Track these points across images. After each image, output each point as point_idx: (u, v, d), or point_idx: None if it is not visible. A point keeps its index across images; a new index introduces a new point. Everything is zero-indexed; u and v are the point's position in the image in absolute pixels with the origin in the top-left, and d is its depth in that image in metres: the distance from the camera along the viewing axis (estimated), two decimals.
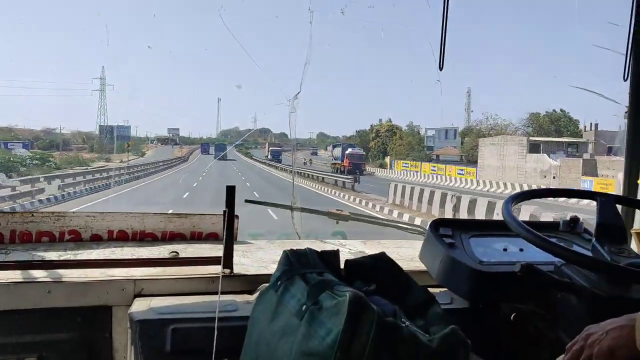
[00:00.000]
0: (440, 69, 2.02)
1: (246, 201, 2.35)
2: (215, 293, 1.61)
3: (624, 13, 2.06)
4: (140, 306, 1.59)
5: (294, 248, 1.42)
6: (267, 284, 1.42)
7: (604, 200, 1.59)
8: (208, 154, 79.52)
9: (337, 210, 2.48)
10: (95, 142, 78.21)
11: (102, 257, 1.88)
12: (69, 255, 1.89)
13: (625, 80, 2.09)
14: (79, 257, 1.87)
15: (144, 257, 1.90)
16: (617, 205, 1.61)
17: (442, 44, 1.98)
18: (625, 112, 2.15)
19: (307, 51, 2.45)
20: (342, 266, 1.48)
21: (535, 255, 1.55)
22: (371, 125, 79.61)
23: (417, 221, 12.23)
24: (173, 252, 1.94)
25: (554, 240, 1.79)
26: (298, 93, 2.43)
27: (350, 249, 2.21)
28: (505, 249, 1.80)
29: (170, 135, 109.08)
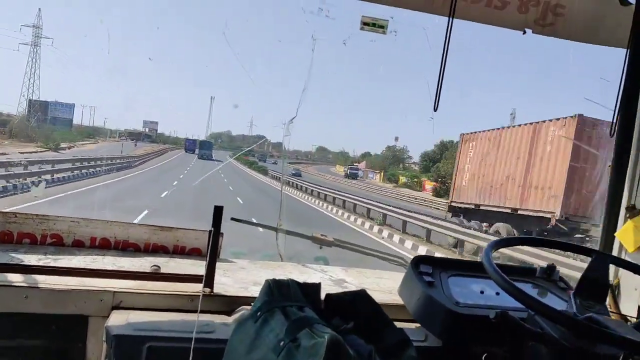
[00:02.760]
0: (435, 109, 2.07)
1: (232, 219, 2.36)
2: (194, 311, 1.61)
3: (616, 69, 2.13)
4: (117, 319, 1.59)
5: (276, 273, 1.44)
6: (246, 307, 1.43)
7: (599, 258, 1.64)
8: (193, 153, 69.85)
9: (322, 235, 2.50)
10: (16, 125, 54.46)
11: (82, 265, 1.87)
12: (49, 260, 1.88)
13: (611, 136, 2.16)
14: (59, 263, 1.86)
15: (125, 268, 1.89)
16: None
17: (439, 87, 2.03)
18: (609, 166, 2.22)
19: (306, 77, 2.48)
20: (323, 298, 1.50)
21: (510, 300, 1.58)
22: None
23: None
24: (154, 265, 1.93)
25: (529, 287, 1.84)
26: (293, 118, 2.45)
27: (331, 276, 2.24)
28: (482, 292, 1.84)
29: (145, 129, 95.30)
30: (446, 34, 2.00)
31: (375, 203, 26.38)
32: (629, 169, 2.11)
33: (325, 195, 32.72)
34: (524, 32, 2.15)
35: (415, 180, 69.21)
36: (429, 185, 61.66)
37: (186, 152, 74.23)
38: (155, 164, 47.63)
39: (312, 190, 35.54)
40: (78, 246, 2.09)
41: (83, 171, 27.16)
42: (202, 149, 68.22)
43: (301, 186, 38.45)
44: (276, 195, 28.91)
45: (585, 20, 2.16)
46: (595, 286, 1.59)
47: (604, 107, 2.19)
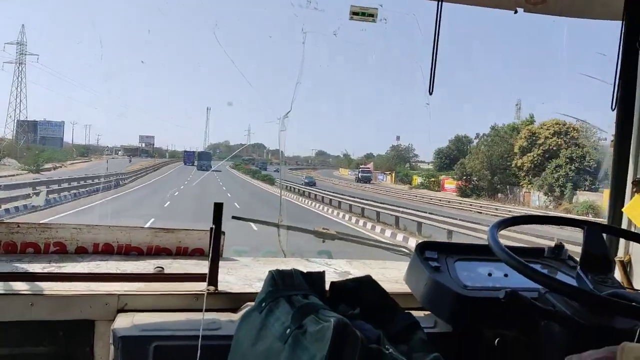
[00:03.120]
0: (430, 93, 2.06)
1: (233, 217, 2.35)
2: (200, 310, 1.60)
3: (613, 43, 2.11)
4: (123, 321, 1.58)
5: (280, 268, 1.42)
6: (251, 303, 1.42)
7: (591, 229, 1.61)
8: (192, 165, 65.61)
9: (324, 228, 2.49)
10: (4, 147, 52.14)
11: (86, 270, 1.87)
12: (53, 267, 1.88)
13: (612, 109, 2.13)
14: (63, 270, 1.85)
15: (129, 271, 1.89)
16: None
17: (433, 69, 2.02)
18: (612, 141, 2.20)
19: (299, 71, 2.48)
20: (327, 288, 1.49)
21: (520, 281, 1.56)
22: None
23: None
24: (158, 267, 1.93)
25: (538, 267, 1.82)
26: (289, 112, 2.44)
27: (335, 269, 2.22)
28: (490, 274, 1.82)
29: (142, 145, 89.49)
30: (436, 17, 1.99)
31: (406, 210, 23.03)
32: (632, 142, 2.08)
33: (351, 205, 27.69)
34: (516, 12, 2.14)
35: (433, 179, 62.71)
36: (449, 184, 56.96)
37: (185, 164, 70.66)
38: (148, 180, 42.38)
39: (330, 200, 31.07)
40: (81, 253, 2.08)
41: (54, 196, 23.39)
42: (200, 159, 65.11)
43: (321, 197, 33.08)
44: (303, 216, 24.33)
45: None
46: (597, 258, 1.57)
47: (602, 81, 2.17)
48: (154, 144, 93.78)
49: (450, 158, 66.87)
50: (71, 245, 2.07)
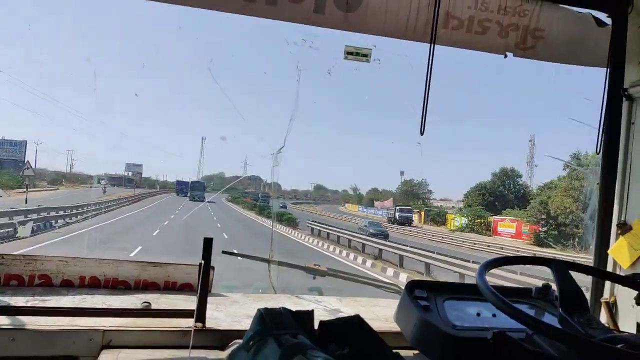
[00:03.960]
0: (422, 133, 2.09)
1: (223, 252, 2.33)
2: (187, 347, 1.57)
3: (598, 89, 2.16)
4: (107, 358, 1.55)
5: (269, 305, 1.41)
6: (239, 341, 1.39)
7: (558, 267, 1.63)
8: (185, 195, 60.70)
9: (315, 264, 2.48)
10: None
11: (71, 304, 1.83)
12: (36, 301, 1.84)
13: (597, 153, 2.18)
14: (47, 304, 1.82)
15: (115, 306, 1.86)
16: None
17: (424, 111, 2.06)
18: (597, 184, 2.23)
19: (293, 107, 2.50)
20: (316, 326, 1.47)
21: (508, 321, 1.56)
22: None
23: None
24: (145, 302, 1.90)
25: (525, 307, 1.81)
26: (282, 147, 2.45)
27: (326, 306, 2.20)
28: (478, 314, 1.81)
29: (128, 173, 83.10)
30: (428, 60, 2.04)
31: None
32: (617, 185, 2.12)
33: (430, 265, 20.15)
34: (505, 56, 2.20)
35: (479, 220, 51.97)
36: (505, 227, 47.59)
37: (178, 195, 66.03)
38: (112, 217, 31.94)
39: (401, 257, 22.18)
40: (67, 286, 2.05)
41: None
42: (193, 190, 60.83)
43: (358, 246, 25.50)
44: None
45: (565, 42, 2.22)
46: (575, 298, 1.57)
47: (588, 125, 2.21)
48: (141, 173, 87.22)
49: (495, 195, 59.84)
50: (57, 278, 2.04)
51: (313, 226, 35.34)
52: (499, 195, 57.87)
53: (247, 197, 67.32)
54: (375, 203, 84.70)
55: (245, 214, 49.84)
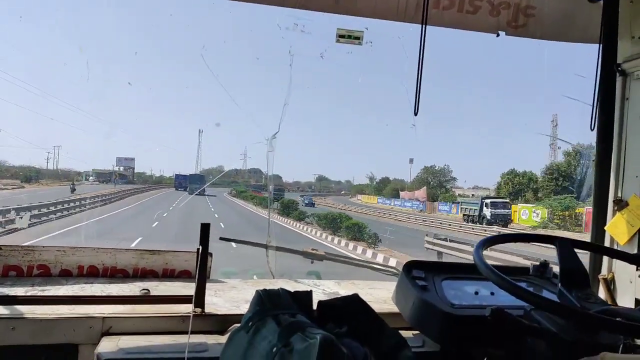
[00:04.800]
0: (415, 114, 2.09)
1: (221, 239, 2.34)
2: (186, 332, 1.58)
3: (591, 65, 2.16)
4: (107, 345, 1.55)
5: (267, 288, 1.41)
6: (238, 325, 1.40)
7: (562, 245, 1.64)
8: (185, 190, 57.08)
9: (313, 249, 2.49)
10: None
11: (70, 293, 1.84)
12: (36, 290, 1.84)
13: (592, 130, 2.18)
14: (46, 293, 1.82)
15: (114, 294, 1.86)
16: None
17: (417, 91, 2.05)
18: (593, 160, 2.24)
19: (286, 92, 2.49)
20: (315, 307, 1.48)
21: (505, 299, 1.57)
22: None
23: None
24: (144, 289, 1.91)
25: (523, 285, 1.83)
26: (276, 133, 2.44)
27: (324, 290, 2.21)
28: (476, 292, 1.82)
29: (119, 168, 75.69)
30: (420, 40, 2.03)
31: None
32: (612, 161, 2.13)
33: None
34: (498, 35, 2.20)
35: (567, 213, 40.28)
36: None
37: (177, 189, 61.65)
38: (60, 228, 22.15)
39: None
40: (65, 275, 2.05)
41: None
42: (192, 183, 57.51)
43: None
44: None
45: (557, 20, 2.21)
46: (575, 274, 1.58)
47: (582, 102, 2.21)
48: (134, 168, 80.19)
49: (569, 178, 49.03)
50: (55, 267, 2.04)
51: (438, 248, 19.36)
52: (574, 178, 46.26)
53: (258, 192, 56.49)
54: (401, 193, 74.67)
55: (256, 211, 39.72)
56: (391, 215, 50.11)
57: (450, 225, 39.86)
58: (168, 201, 41.49)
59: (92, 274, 2.08)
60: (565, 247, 1.63)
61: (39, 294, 1.80)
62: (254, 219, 32.83)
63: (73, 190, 43.15)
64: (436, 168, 79.79)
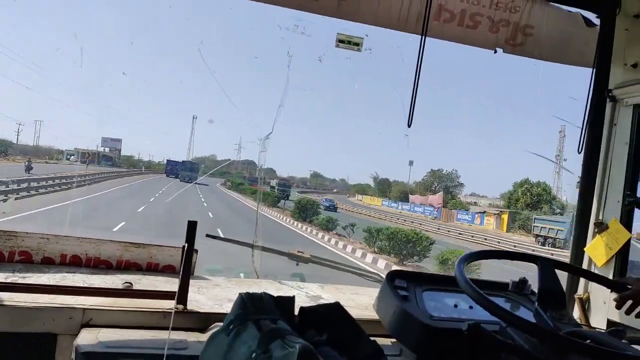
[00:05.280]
0: (409, 125, 2.10)
1: (207, 236, 2.33)
2: (167, 328, 1.58)
3: (583, 90, 2.19)
4: (87, 337, 1.55)
5: (251, 290, 1.42)
6: (220, 323, 1.41)
7: (544, 265, 1.67)
8: (176, 177, 53.05)
9: (298, 252, 2.49)
10: None
11: (52, 282, 1.82)
12: (16, 277, 1.83)
13: (579, 152, 2.22)
14: (27, 281, 1.81)
15: (96, 285, 1.85)
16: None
17: (412, 104, 2.07)
18: (577, 182, 2.27)
19: (282, 93, 2.49)
20: (297, 312, 1.49)
21: (483, 313, 1.60)
22: None
23: None
24: (127, 282, 1.90)
25: (501, 301, 1.86)
26: (269, 134, 2.44)
27: (307, 292, 2.22)
28: (455, 305, 1.85)
29: (104, 148, 70.03)
30: (419, 52, 2.05)
31: None
32: (596, 185, 2.16)
33: None
34: (495, 52, 2.22)
35: None
36: None
37: (167, 175, 57.65)
38: None
39: None
40: (48, 263, 2.03)
41: None
42: (184, 170, 53.48)
43: None
44: None
45: (554, 41, 2.24)
46: (554, 295, 1.62)
47: (572, 124, 2.24)
48: (120, 150, 74.82)
49: None
50: (37, 255, 2.03)
51: None
52: None
53: (259, 186, 46.42)
54: (411, 197, 65.54)
55: (274, 217, 32.17)
56: (405, 222, 40.47)
57: (485, 240, 34.16)
58: (147, 192, 34.02)
59: (74, 263, 2.07)
60: (547, 267, 1.66)
61: (19, 281, 1.78)
62: (270, 226, 25.60)
63: (29, 169, 35.74)
64: (443, 172, 73.62)
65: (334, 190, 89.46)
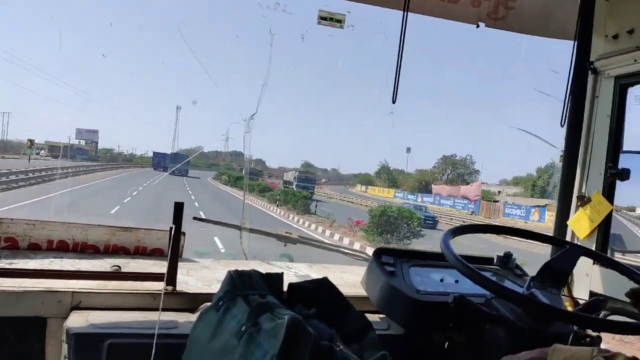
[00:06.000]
0: (394, 102, 2.10)
1: (194, 219, 2.33)
2: (157, 310, 1.59)
3: (565, 62, 2.20)
4: (77, 319, 1.55)
5: (239, 269, 1.43)
6: (209, 303, 1.41)
7: (572, 251, 1.71)
8: (164, 170, 51.23)
9: (286, 232, 2.50)
10: None
11: (39, 267, 1.82)
12: (3, 263, 1.82)
13: (562, 126, 2.23)
14: (14, 266, 1.80)
15: (84, 269, 1.85)
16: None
17: (397, 79, 2.07)
18: (561, 156, 2.30)
19: (265, 73, 2.47)
20: (285, 289, 1.50)
21: (469, 287, 1.63)
22: None
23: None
24: (115, 266, 1.90)
25: (487, 274, 1.89)
26: (254, 114, 2.43)
27: (296, 272, 2.23)
28: (442, 280, 1.88)
29: (79, 141, 65.21)
30: (401, 27, 2.04)
31: None
32: (579, 158, 2.18)
33: None
34: (477, 26, 2.22)
35: None
36: None
37: (155, 169, 54.72)
38: None
39: None
40: (34, 249, 2.02)
41: None
42: (175, 162, 49.46)
43: None
44: None
45: (535, 14, 2.25)
46: (556, 274, 1.65)
47: (554, 97, 2.26)
48: (97, 142, 69.18)
49: None
50: (23, 241, 2.01)
51: None
52: None
53: (265, 179, 40.97)
54: (435, 188, 56.83)
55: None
56: (441, 218, 35.98)
57: None
58: (121, 190, 29.25)
59: (61, 248, 2.06)
60: (574, 254, 1.70)
61: (6, 267, 1.77)
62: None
63: None
64: (456, 158, 65.97)
65: (323, 181, 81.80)
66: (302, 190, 35.44)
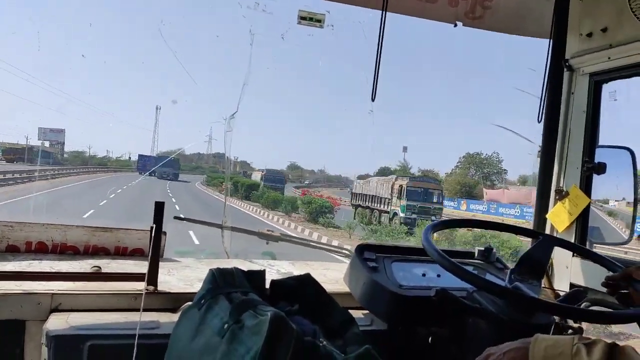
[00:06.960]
0: (373, 99, 2.12)
1: (175, 218, 2.32)
2: (138, 310, 1.58)
3: (541, 60, 2.25)
4: (56, 321, 1.53)
5: (221, 267, 1.43)
6: (191, 302, 1.41)
7: (545, 241, 1.74)
8: (151, 174, 44.88)
9: (268, 230, 2.50)
10: None
11: (18, 269, 1.79)
12: None
13: (539, 122, 2.28)
14: None
15: (64, 270, 1.83)
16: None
17: (376, 77, 2.09)
18: (538, 152, 2.35)
19: (246, 72, 2.46)
20: (268, 286, 1.51)
21: (451, 281, 1.65)
22: None
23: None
24: (95, 266, 1.88)
25: (470, 268, 1.92)
26: (235, 113, 2.42)
27: (278, 270, 2.24)
28: (424, 274, 1.90)
29: (42, 142, 56.96)
30: (380, 26, 2.06)
31: None
32: (556, 153, 2.23)
33: None
34: (455, 25, 2.25)
35: None
36: None
37: (140, 173, 50.06)
38: None
39: None
40: (12, 251, 1.99)
41: None
42: (164, 166, 43.58)
43: None
44: None
45: (511, 13, 2.29)
46: (533, 265, 1.68)
47: (532, 95, 2.30)
48: (63, 143, 60.85)
49: None
50: (1, 243, 1.98)
51: None
52: None
53: (273, 184, 36.29)
54: (488, 192, 46.32)
55: None
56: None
57: None
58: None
59: (40, 250, 2.03)
60: (548, 244, 1.74)
61: None
62: None
63: None
64: (482, 156, 58.32)
65: (305, 182, 77.80)
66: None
